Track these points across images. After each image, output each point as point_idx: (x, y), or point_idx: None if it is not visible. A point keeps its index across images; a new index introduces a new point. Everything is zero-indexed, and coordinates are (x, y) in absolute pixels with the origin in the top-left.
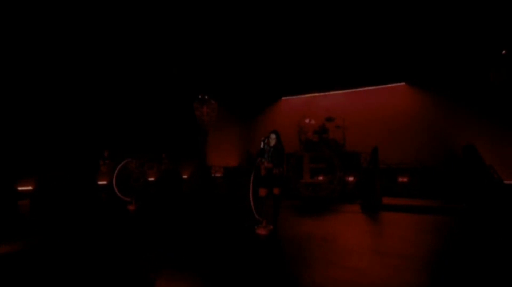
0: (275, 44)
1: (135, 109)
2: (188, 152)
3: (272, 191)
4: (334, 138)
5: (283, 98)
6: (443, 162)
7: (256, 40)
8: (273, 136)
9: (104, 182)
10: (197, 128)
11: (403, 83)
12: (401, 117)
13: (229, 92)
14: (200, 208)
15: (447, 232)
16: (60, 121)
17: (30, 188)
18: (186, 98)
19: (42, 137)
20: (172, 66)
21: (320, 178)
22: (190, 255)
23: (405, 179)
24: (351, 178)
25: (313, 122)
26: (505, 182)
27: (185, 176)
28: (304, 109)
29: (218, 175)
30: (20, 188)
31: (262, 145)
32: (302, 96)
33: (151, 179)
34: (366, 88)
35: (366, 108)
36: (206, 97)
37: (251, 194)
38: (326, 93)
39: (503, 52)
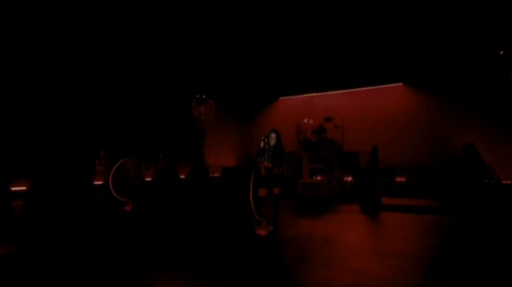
0: (273, 44)
1: (131, 108)
2: (186, 152)
3: (272, 191)
4: (333, 138)
5: (281, 98)
6: (441, 162)
7: (254, 40)
8: (273, 135)
9: (100, 182)
10: (195, 127)
11: (400, 84)
12: (399, 117)
13: (226, 91)
14: (199, 209)
15: (447, 232)
16: (55, 119)
17: (23, 188)
18: (184, 97)
19: (36, 136)
20: (172, 66)
21: (319, 178)
22: (190, 255)
23: (404, 179)
24: (349, 178)
25: (311, 122)
26: (503, 182)
27: (182, 176)
28: (302, 109)
29: (216, 175)
30: (13, 189)
31: (262, 145)
32: (300, 96)
33: (148, 179)
34: (364, 88)
35: (364, 108)
36: (203, 96)
37: (251, 194)
38: (324, 93)
39: (501, 52)
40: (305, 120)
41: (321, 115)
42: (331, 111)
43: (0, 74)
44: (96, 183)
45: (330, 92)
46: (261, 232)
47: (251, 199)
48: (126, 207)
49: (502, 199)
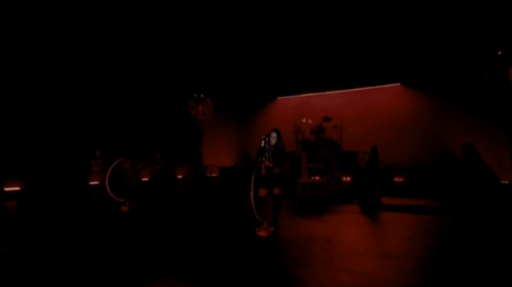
0: (271, 44)
1: (128, 107)
2: (183, 152)
3: (272, 191)
4: (331, 138)
5: (279, 98)
6: (440, 161)
7: (252, 40)
8: (273, 134)
9: (96, 183)
10: (192, 127)
11: (398, 84)
12: (398, 117)
13: (224, 91)
14: (197, 209)
15: (449, 233)
16: (50, 119)
17: (17, 189)
18: (181, 96)
19: (30, 136)
20: (172, 66)
21: (318, 178)
22: (189, 257)
23: (403, 179)
24: (348, 178)
25: (310, 121)
26: (502, 182)
27: (179, 176)
28: (300, 109)
29: (214, 175)
30: (6, 189)
31: (262, 144)
32: (298, 96)
33: (145, 179)
34: (362, 89)
35: (362, 108)
36: (201, 96)
37: (252, 195)
38: (322, 93)
39: (499, 52)
40: (304, 120)
41: (319, 115)
42: (330, 111)
43: None
44: (92, 183)
45: (328, 92)
46: (262, 233)
47: (251, 199)
48: (123, 208)
49: (502, 199)
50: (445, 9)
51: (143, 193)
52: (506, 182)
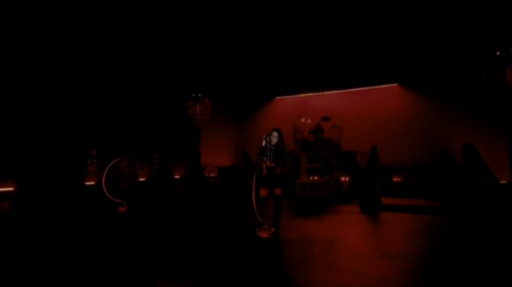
0: (269, 44)
1: (125, 106)
2: (181, 152)
3: (273, 192)
4: (330, 138)
5: (277, 97)
6: (439, 161)
7: (250, 40)
8: (275, 134)
9: (92, 183)
10: (190, 127)
11: (396, 84)
12: (396, 117)
13: (222, 91)
14: (195, 210)
15: (451, 233)
16: (44, 117)
17: (11, 189)
18: (179, 96)
19: (24, 135)
20: (171, 66)
21: (317, 178)
22: (187, 259)
23: (402, 179)
24: (347, 178)
25: (309, 121)
26: (500, 182)
27: (177, 176)
28: (298, 109)
29: (212, 175)
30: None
31: (263, 143)
32: (296, 96)
33: (142, 179)
34: (360, 89)
35: (361, 108)
36: (199, 95)
37: (253, 195)
38: (320, 93)
39: (498, 53)
40: (303, 120)
41: (317, 115)
42: (328, 111)
43: None
44: (88, 183)
45: (326, 92)
46: (263, 234)
47: (253, 199)
48: (120, 209)
49: (502, 199)
50: (443, 9)
51: (140, 194)
52: (504, 182)
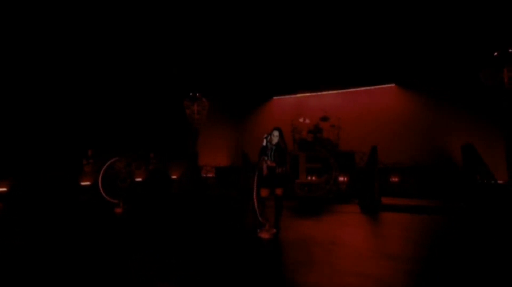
0: (266, 44)
1: (121, 106)
2: (178, 152)
3: (274, 192)
4: (329, 138)
5: (275, 98)
6: (438, 161)
7: (248, 40)
8: (275, 133)
9: (88, 183)
10: (188, 126)
11: (393, 85)
12: (394, 117)
13: (220, 90)
14: (193, 210)
15: (451, 233)
16: (38, 116)
17: (4, 189)
18: (177, 95)
19: (18, 134)
20: (171, 65)
21: (316, 178)
22: (185, 260)
23: (402, 179)
24: (346, 178)
25: (307, 121)
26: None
27: (174, 177)
28: (296, 109)
29: (209, 175)
30: None
31: (264, 143)
32: (294, 96)
33: (139, 179)
34: (358, 89)
35: (359, 108)
36: (197, 94)
37: (254, 196)
38: (318, 93)
39: (495, 53)
40: (301, 120)
41: (315, 115)
42: (326, 111)
43: None
44: (83, 184)
45: (324, 92)
46: (264, 235)
47: (254, 200)
48: (117, 209)
49: (501, 199)
50: (440, 10)
51: (137, 194)
52: (501, 182)
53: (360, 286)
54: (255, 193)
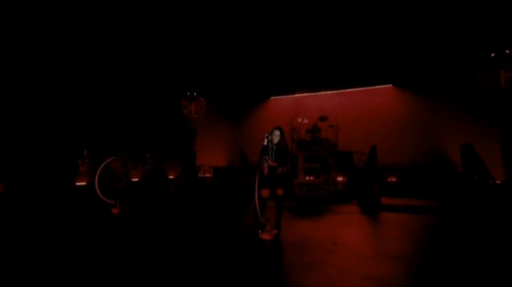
0: (264, 44)
1: (118, 105)
2: (175, 151)
3: (275, 192)
4: (327, 138)
5: (272, 97)
6: (437, 161)
7: (246, 40)
8: (277, 132)
9: (83, 183)
10: (185, 126)
11: (390, 85)
12: (392, 117)
13: (217, 90)
14: (191, 210)
15: (452, 233)
16: (33, 115)
17: None
18: (174, 94)
19: (12, 133)
20: (171, 65)
21: (315, 178)
22: (184, 261)
23: (401, 179)
24: (344, 178)
25: (306, 121)
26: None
27: (171, 177)
28: (294, 108)
29: (207, 175)
30: None
31: (265, 142)
32: (291, 96)
33: (135, 179)
34: (355, 89)
35: (357, 108)
36: (194, 94)
37: (256, 196)
38: (316, 93)
39: (492, 54)
40: (300, 119)
41: (313, 115)
42: (325, 111)
43: None
44: (78, 184)
45: (322, 92)
46: (266, 236)
47: (255, 200)
48: (113, 210)
49: (500, 199)
50: (437, 10)
51: (133, 194)
52: (498, 182)
53: None
54: (256, 193)
